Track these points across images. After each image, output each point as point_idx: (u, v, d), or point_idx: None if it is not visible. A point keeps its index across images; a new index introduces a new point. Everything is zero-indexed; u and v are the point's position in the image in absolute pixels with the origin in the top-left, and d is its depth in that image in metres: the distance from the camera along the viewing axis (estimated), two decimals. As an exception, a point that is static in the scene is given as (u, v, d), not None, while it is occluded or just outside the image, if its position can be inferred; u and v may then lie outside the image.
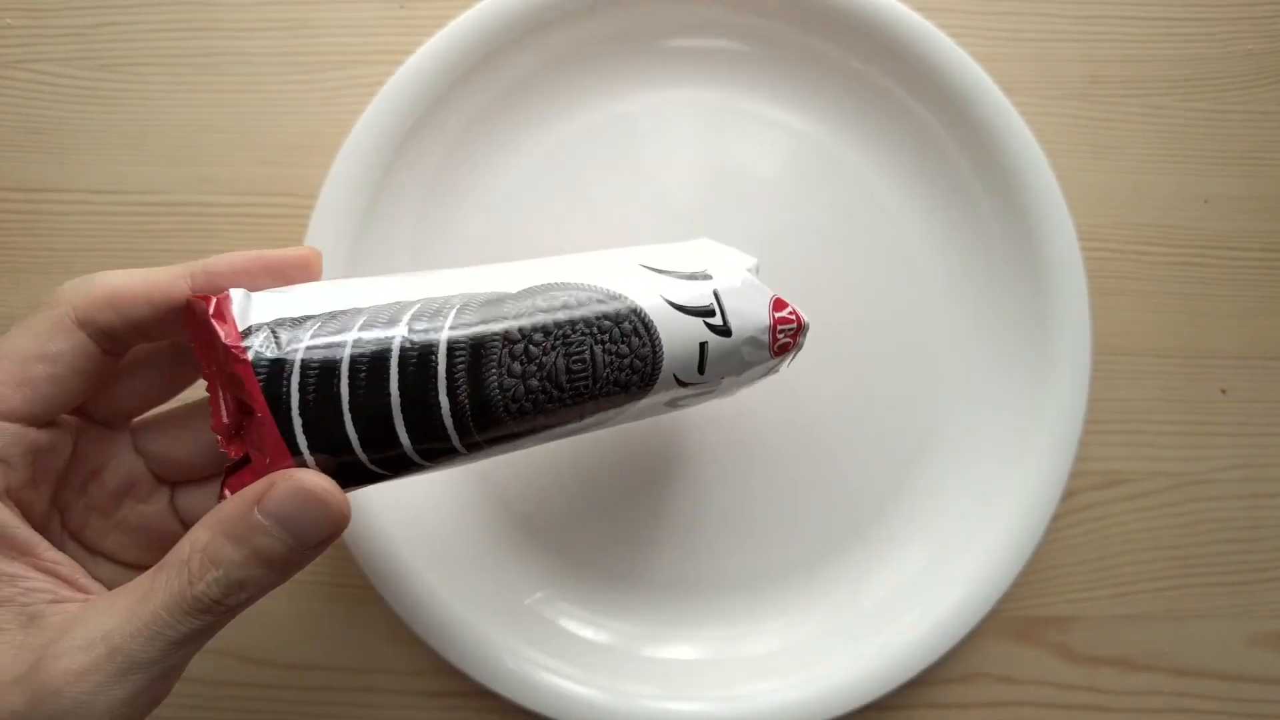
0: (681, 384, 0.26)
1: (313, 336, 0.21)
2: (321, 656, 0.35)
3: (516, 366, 0.22)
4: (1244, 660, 0.35)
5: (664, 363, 0.25)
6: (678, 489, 0.36)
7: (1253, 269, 0.37)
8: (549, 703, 0.33)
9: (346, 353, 0.21)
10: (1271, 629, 0.36)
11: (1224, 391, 0.37)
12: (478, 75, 0.35)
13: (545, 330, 0.23)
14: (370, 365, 0.21)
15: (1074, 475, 0.35)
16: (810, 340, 0.31)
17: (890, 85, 0.36)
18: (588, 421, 0.25)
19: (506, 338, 0.22)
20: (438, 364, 0.21)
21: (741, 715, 0.33)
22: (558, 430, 0.25)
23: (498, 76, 0.36)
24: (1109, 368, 0.36)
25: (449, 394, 0.21)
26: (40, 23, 0.37)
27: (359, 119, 0.34)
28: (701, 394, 0.28)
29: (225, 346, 0.20)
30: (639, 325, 0.25)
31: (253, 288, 0.22)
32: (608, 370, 0.24)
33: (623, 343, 0.24)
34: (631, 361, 0.25)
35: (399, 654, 0.35)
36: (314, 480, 0.20)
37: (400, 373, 0.21)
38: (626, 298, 0.25)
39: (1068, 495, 0.35)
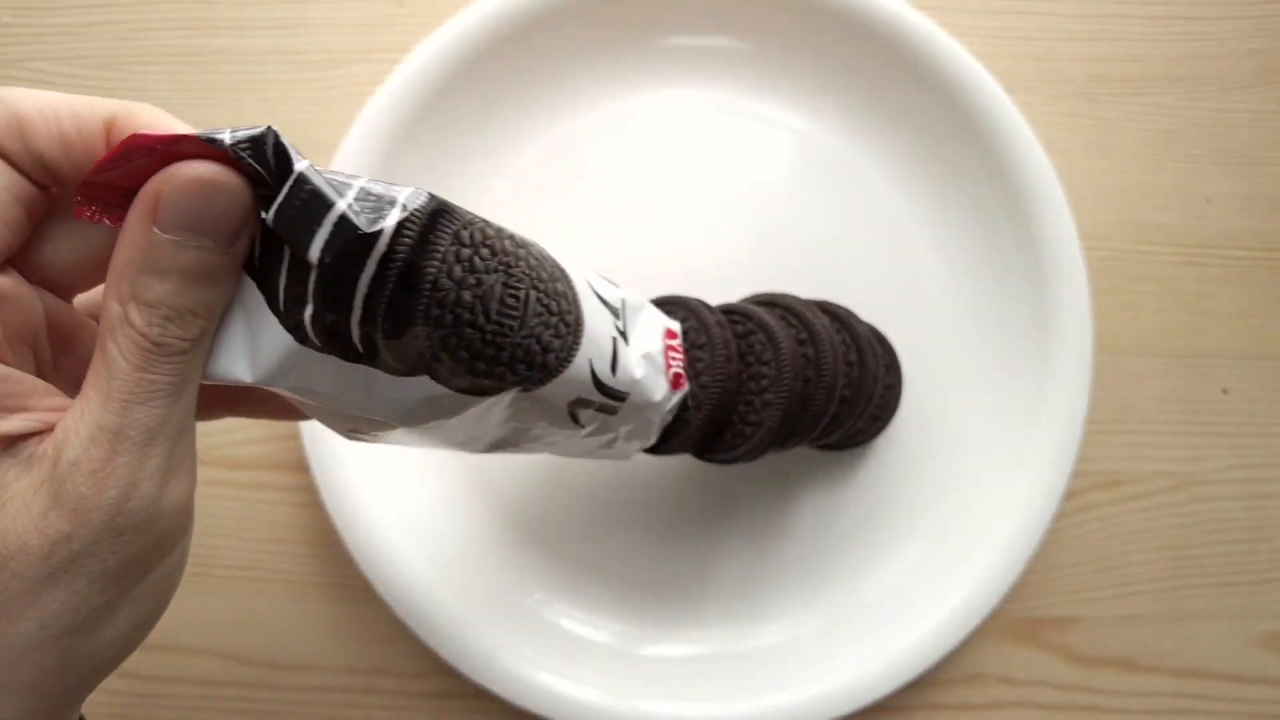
0: (597, 381, 0.24)
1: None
2: (319, 657, 0.35)
3: (458, 270, 0.19)
4: (1245, 661, 0.35)
5: (583, 342, 0.23)
6: (675, 490, 0.35)
7: (1255, 268, 0.37)
8: (547, 704, 0.33)
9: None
10: (1273, 630, 0.35)
11: (1225, 391, 0.36)
12: (476, 73, 0.35)
13: (492, 249, 0.20)
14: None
15: (1075, 475, 0.35)
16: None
17: (891, 84, 0.36)
18: (494, 407, 0.22)
19: (456, 238, 0.19)
20: (385, 227, 0.18)
21: (741, 716, 0.33)
22: (461, 402, 0.21)
23: (496, 75, 0.36)
24: (1110, 367, 0.36)
25: (379, 262, 0.18)
26: (37, 21, 0.37)
27: (357, 117, 0.34)
28: (608, 415, 0.25)
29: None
30: (569, 289, 0.23)
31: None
32: (534, 321, 0.21)
33: (553, 300, 0.22)
34: (557, 323, 0.22)
35: (397, 654, 0.35)
36: (197, 169, 0.17)
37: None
38: (558, 261, 0.23)
39: (1068, 495, 0.35)
